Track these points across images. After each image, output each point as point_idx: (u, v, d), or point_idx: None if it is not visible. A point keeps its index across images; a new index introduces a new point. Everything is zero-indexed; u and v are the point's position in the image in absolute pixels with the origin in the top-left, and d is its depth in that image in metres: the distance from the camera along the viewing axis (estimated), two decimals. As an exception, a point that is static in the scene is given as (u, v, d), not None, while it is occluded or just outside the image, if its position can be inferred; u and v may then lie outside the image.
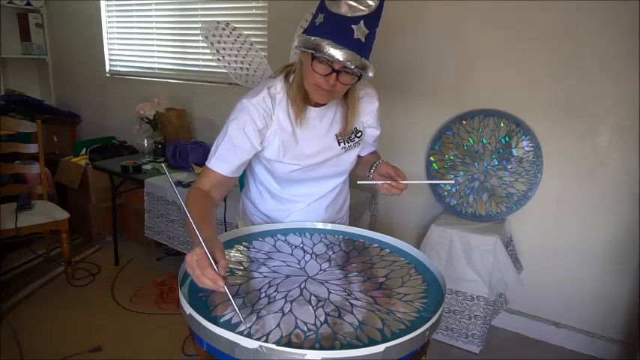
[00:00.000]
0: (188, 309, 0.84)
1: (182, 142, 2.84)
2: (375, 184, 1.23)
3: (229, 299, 0.85)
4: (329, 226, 1.34)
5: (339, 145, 1.27)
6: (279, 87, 1.20)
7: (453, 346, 2.28)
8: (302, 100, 1.18)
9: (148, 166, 2.83)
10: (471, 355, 2.24)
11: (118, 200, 3.10)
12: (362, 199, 2.51)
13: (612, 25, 1.98)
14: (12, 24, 3.81)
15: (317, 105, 1.22)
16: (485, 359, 2.23)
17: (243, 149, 1.16)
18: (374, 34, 1.05)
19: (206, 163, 1.18)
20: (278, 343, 0.77)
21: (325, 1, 1.03)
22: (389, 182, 1.20)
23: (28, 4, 3.79)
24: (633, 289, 2.15)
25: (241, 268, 1.06)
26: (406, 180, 1.20)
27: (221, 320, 0.84)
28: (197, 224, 0.90)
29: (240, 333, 0.79)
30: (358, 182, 1.24)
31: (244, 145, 1.16)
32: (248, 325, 0.82)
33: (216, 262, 0.86)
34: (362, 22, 1.00)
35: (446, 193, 2.41)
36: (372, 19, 1.02)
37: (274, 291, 0.95)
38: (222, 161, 1.16)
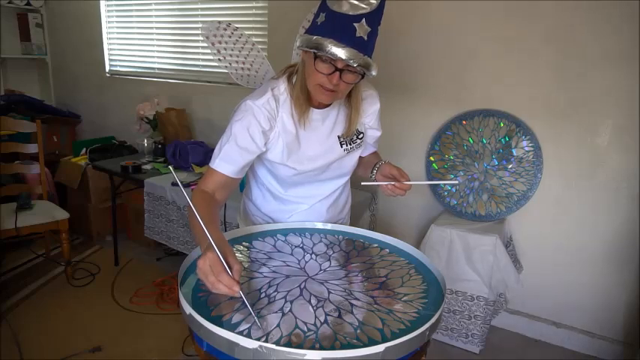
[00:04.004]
0: (188, 309, 0.83)
1: (182, 142, 2.84)
2: (380, 185, 1.23)
3: (245, 304, 0.84)
4: (329, 226, 1.34)
5: (342, 146, 1.27)
6: (282, 88, 1.19)
7: (453, 346, 2.28)
8: (305, 100, 1.17)
9: (148, 166, 2.83)
10: (470, 355, 2.24)
11: (118, 200, 3.10)
12: (362, 199, 2.51)
13: (612, 25, 1.98)
14: (12, 24, 3.81)
15: (319, 106, 1.22)
16: (485, 359, 2.23)
17: (248, 150, 1.16)
18: (376, 32, 1.04)
19: (209, 164, 1.17)
20: (278, 343, 0.77)
21: (327, 0, 1.03)
22: (393, 183, 1.20)
23: (28, 4, 3.79)
24: (633, 289, 2.15)
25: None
26: (410, 181, 1.20)
27: (221, 320, 0.84)
28: (206, 228, 0.89)
29: (240, 333, 0.79)
30: (362, 183, 1.24)
31: (249, 145, 1.15)
32: (265, 330, 0.81)
33: (229, 267, 0.86)
34: (364, 20, 1.00)
35: (446, 193, 2.41)
36: (374, 16, 1.02)
37: (274, 291, 0.95)
38: (227, 162, 1.15)
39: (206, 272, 0.84)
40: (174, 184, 2.51)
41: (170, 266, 2.96)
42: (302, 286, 0.98)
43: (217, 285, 0.84)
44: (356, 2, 0.99)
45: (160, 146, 3.05)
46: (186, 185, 2.49)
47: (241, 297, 0.84)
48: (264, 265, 1.08)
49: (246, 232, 1.27)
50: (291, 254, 1.15)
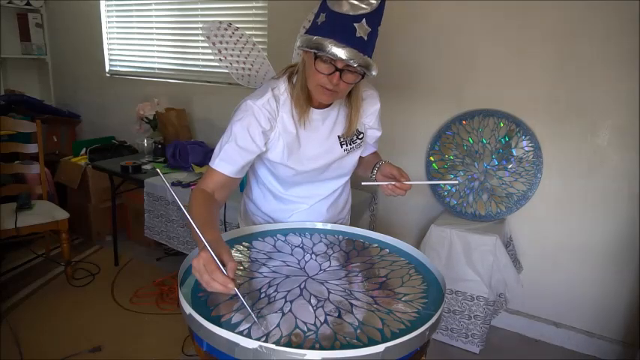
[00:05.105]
0: (188, 309, 0.84)
1: (182, 142, 2.84)
2: (380, 185, 1.23)
3: (242, 301, 0.85)
4: (329, 226, 1.34)
5: (342, 147, 1.27)
6: (282, 88, 1.19)
7: (453, 346, 2.28)
8: (305, 100, 1.17)
9: (148, 166, 2.83)
10: (470, 355, 2.24)
11: (118, 200, 3.10)
12: (362, 199, 2.51)
13: (612, 25, 1.98)
14: (12, 24, 3.81)
15: (320, 106, 1.22)
16: (485, 359, 2.23)
17: (248, 150, 1.16)
18: (376, 33, 1.04)
19: (209, 163, 1.17)
20: (278, 343, 0.77)
21: (327, 0, 1.03)
22: (393, 183, 1.20)
23: (28, 4, 3.79)
24: (633, 289, 2.15)
25: (241, 268, 1.06)
26: (410, 181, 1.20)
27: (221, 320, 0.84)
28: (201, 227, 0.89)
29: (240, 333, 0.79)
30: (362, 183, 1.24)
31: (249, 145, 1.15)
32: (262, 328, 0.81)
33: (224, 265, 0.86)
34: (364, 20, 1.00)
35: (446, 193, 2.41)
36: (374, 17, 1.02)
37: (274, 291, 0.95)
38: (227, 162, 1.15)
39: (200, 271, 0.85)
40: (174, 184, 2.51)
41: (170, 266, 2.97)
42: (302, 286, 0.98)
43: (212, 283, 0.84)
44: (356, 2, 0.99)
45: (159, 146, 3.05)
46: (186, 185, 2.49)
47: (237, 294, 0.84)
48: (264, 265, 1.08)
49: (247, 232, 1.27)
50: (291, 254, 1.15)
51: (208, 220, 1.01)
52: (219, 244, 0.90)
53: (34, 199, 2.70)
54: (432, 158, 2.45)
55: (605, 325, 2.25)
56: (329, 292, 0.96)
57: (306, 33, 1.06)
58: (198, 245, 0.95)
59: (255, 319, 0.83)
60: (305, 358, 0.72)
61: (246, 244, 1.19)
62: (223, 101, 3.06)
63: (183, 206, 0.89)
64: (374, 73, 1.06)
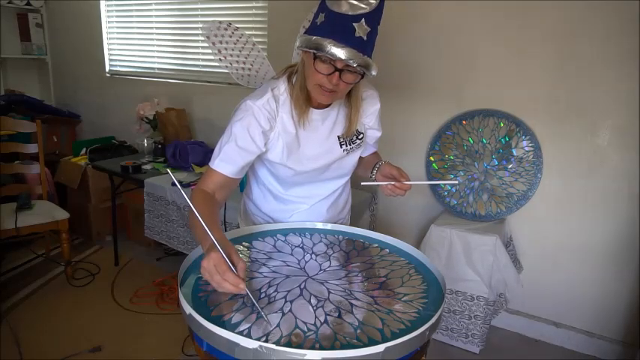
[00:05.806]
0: (188, 309, 0.84)
1: (182, 142, 2.84)
2: (380, 185, 1.23)
3: (253, 301, 0.85)
4: (329, 226, 1.34)
5: (341, 147, 1.27)
6: (282, 88, 1.19)
7: (453, 346, 2.28)
8: (305, 100, 1.17)
9: (148, 166, 2.83)
10: (470, 355, 2.24)
11: (118, 200, 3.10)
12: (362, 199, 2.51)
13: (612, 25, 1.98)
14: (12, 24, 3.81)
15: (319, 106, 1.22)
16: (485, 359, 2.23)
17: (248, 150, 1.16)
18: (376, 32, 1.04)
19: (209, 164, 1.17)
20: (278, 343, 0.77)
21: (326, 0, 1.03)
22: (393, 183, 1.20)
23: (28, 4, 3.79)
24: (633, 289, 2.15)
25: (241, 268, 1.06)
26: (410, 181, 1.20)
27: (221, 320, 0.84)
28: (207, 227, 0.89)
29: (240, 333, 0.79)
30: (362, 183, 1.24)
31: (249, 146, 1.15)
32: (272, 326, 0.82)
33: (233, 265, 0.86)
34: (363, 20, 1.00)
35: (446, 193, 2.41)
36: (374, 16, 1.01)
37: (274, 291, 0.96)
38: (227, 162, 1.15)
39: (211, 272, 0.85)
40: (174, 184, 2.51)
41: (170, 266, 2.97)
42: (302, 286, 0.98)
43: (223, 284, 0.84)
44: (355, 2, 0.99)
45: (159, 146, 3.05)
46: (186, 185, 2.49)
47: (247, 294, 0.85)
48: (264, 265, 1.08)
49: (247, 232, 1.27)
50: (291, 254, 1.15)
51: (212, 221, 1.01)
52: (226, 244, 0.90)
53: (34, 199, 2.69)
54: (432, 158, 2.45)
55: (605, 325, 2.25)
56: (329, 292, 0.96)
57: (305, 33, 1.06)
58: (202, 245, 0.95)
59: (266, 319, 0.83)
60: (305, 358, 0.72)
61: (246, 244, 1.19)
62: (223, 101, 3.06)
63: (187, 207, 0.89)
64: (374, 73, 1.06)
